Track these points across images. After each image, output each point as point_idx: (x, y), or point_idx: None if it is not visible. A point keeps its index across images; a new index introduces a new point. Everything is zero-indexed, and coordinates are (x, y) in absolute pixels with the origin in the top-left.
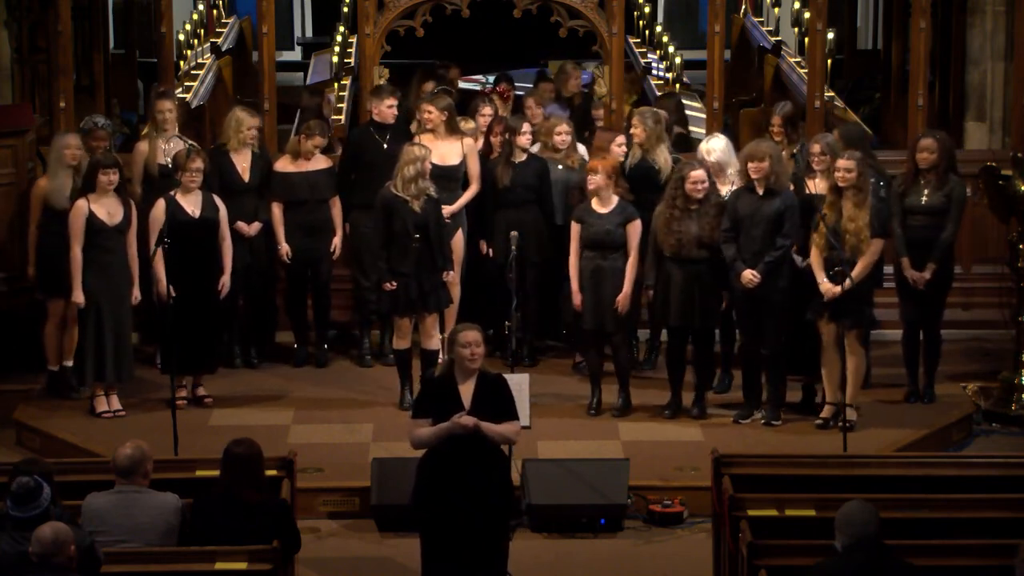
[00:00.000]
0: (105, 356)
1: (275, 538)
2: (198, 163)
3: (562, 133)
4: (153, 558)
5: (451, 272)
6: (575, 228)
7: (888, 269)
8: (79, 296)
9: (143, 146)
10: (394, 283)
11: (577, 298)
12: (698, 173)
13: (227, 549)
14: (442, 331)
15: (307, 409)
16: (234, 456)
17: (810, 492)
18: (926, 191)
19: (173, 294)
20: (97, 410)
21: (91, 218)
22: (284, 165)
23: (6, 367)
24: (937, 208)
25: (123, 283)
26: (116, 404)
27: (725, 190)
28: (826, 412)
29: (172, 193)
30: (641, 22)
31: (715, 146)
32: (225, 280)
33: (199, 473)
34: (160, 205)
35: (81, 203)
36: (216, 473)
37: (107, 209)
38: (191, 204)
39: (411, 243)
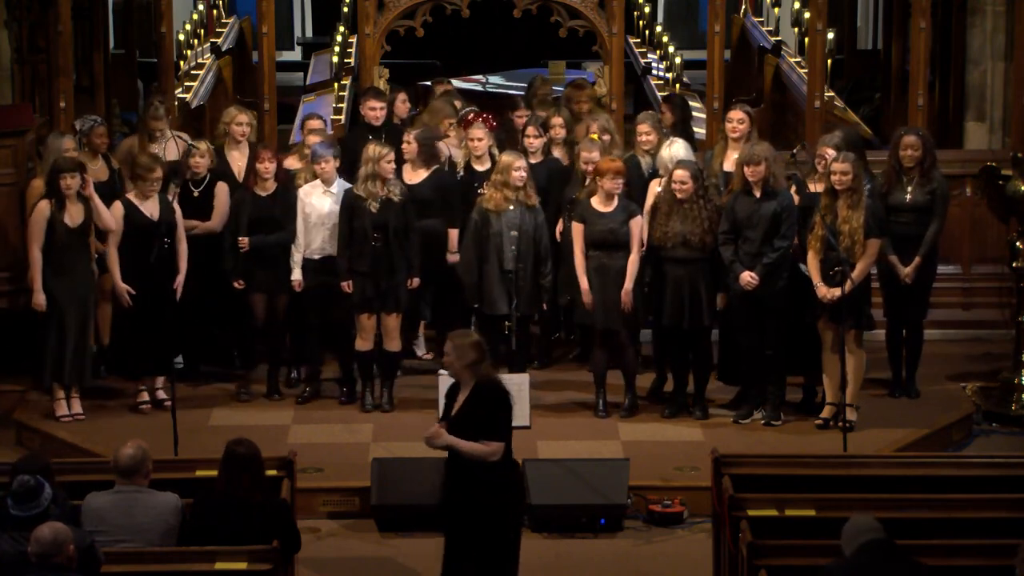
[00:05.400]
0: (65, 359)
1: (275, 538)
2: (158, 173)
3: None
4: (153, 558)
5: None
6: (578, 227)
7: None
8: (40, 299)
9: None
10: (350, 283)
11: (588, 296)
12: (680, 172)
13: (227, 549)
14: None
15: (307, 409)
16: (234, 456)
17: (810, 492)
18: (910, 188)
19: (132, 293)
20: (56, 414)
21: (52, 220)
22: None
23: (6, 367)
24: (922, 205)
25: (85, 286)
26: (77, 408)
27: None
28: (826, 412)
29: (127, 195)
30: (641, 22)
31: (676, 152)
32: (180, 281)
33: (199, 473)
34: (118, 207)
35: (43, 205)
36: (216, 473)
37: (69, 211)
38: (148, 207)
39: (367, 243)
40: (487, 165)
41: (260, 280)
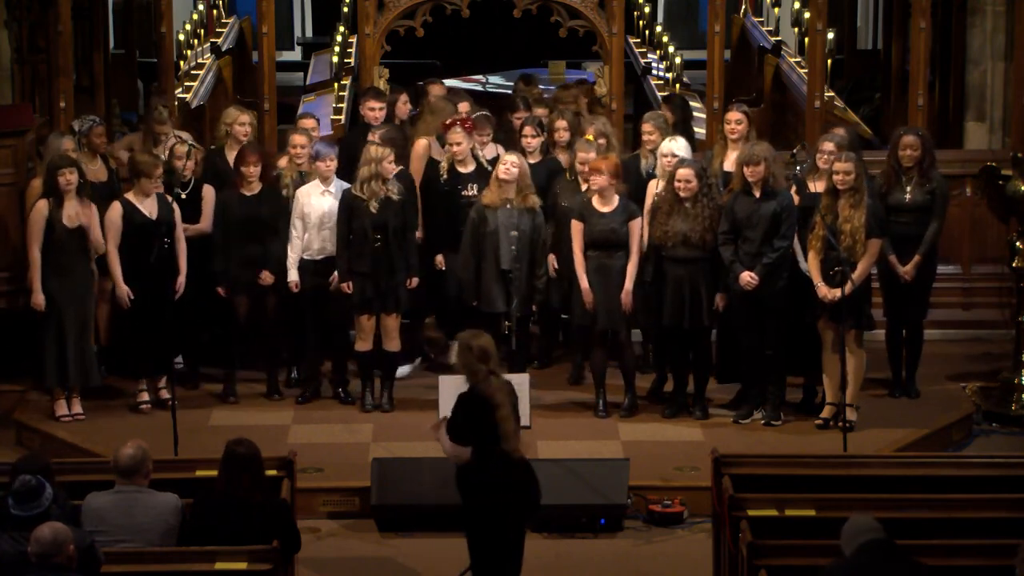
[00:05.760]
0: (67, 360)
1: (275, 538)
2: (160, 170)
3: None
4: (153, 558)
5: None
6: (577, 226)
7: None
8: (39, 299)
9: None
10: (350, 284)
11: (588, 296)
12: (684, 171)
13: (227, 549)
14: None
15: (307, 409)
16: (234, 456)
17: (810, 492)
18: (908, 188)
19: (131, 296)
20: (56, 414)
21: (51, 220)
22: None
23: (6, 367)
24: (921, 205)
25: (84, 286)
26: (77, 408)
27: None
28: (826, 412)
29: (126, 195)
30: (641, 22)
31: (675, 148)
32: (181, 281)
33: (199, 473)
34: (116, 208)
35: (41, 204)
36: (216, 473)
37: (67, 211)
38: (148, 206)
39: (368, 244)
40: (471, 167)
41: (246, 281)
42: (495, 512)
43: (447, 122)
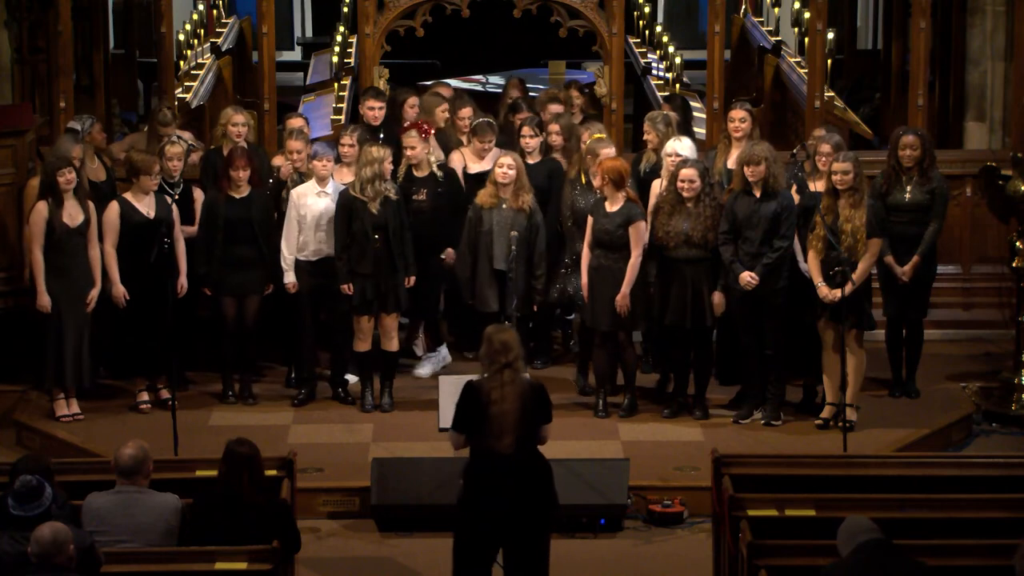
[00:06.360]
0: (65, 360)
1: (275, 538)
2: (159, 168)
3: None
4: (153, 558)
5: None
6: (588, 221)
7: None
8: (44, 300)
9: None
10: (351, 286)
11: (583, 290)
12: (687, 171)
13: (227, 549)
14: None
15: (307, 409)
16: (235, 455)
17: (810, 492)
18: (908, 188)
19: (127, 296)
20: (56, 414)
21: (51, 220)
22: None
23: (6, 367)
24: (921, 204)
25: (84, 286)
26: (75, 407)
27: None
28: (826, 412)
29: (124, 195)
30: (641, 22)
31: (679, 147)
32: (183, 282)
33: (199, 473)
34: (114, 207)
35: (41, 205)
36: (216, 473)
37: (67, 211)
38: (145, 206)
39: (369, 244)
40: (427, 171)
41: (232, 283)
42: (470, 509)
43: (405, 125)
